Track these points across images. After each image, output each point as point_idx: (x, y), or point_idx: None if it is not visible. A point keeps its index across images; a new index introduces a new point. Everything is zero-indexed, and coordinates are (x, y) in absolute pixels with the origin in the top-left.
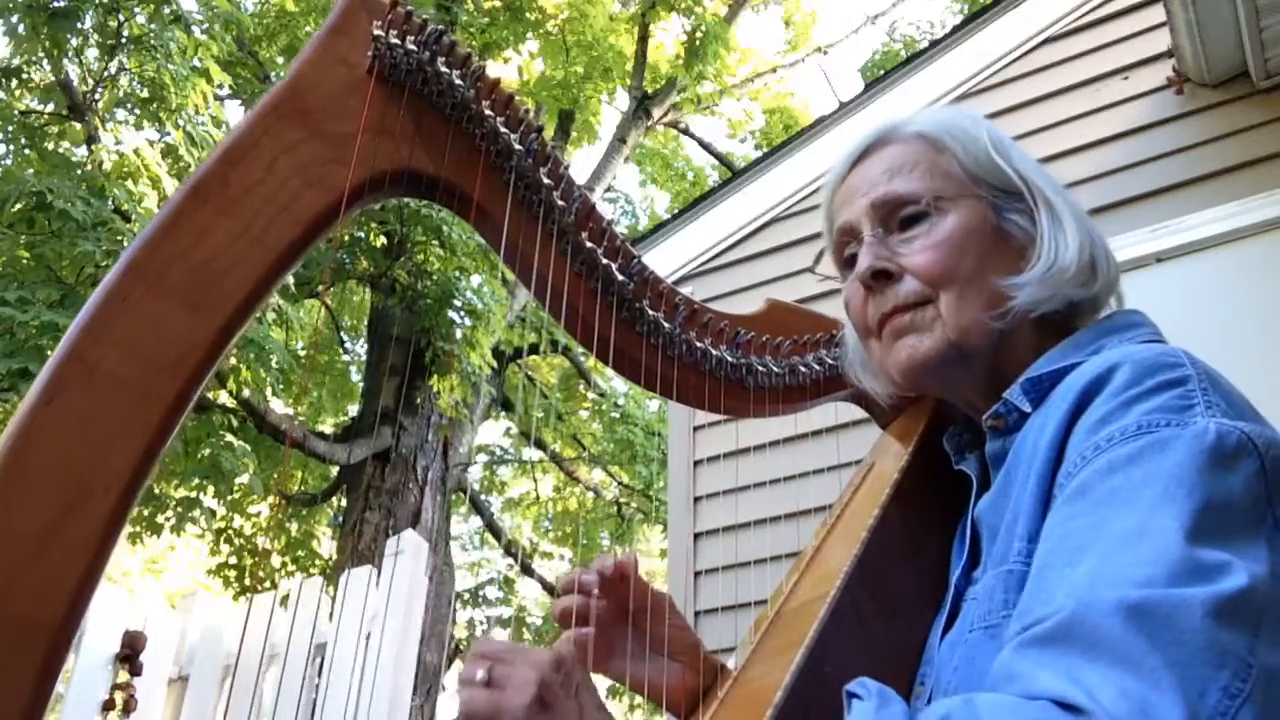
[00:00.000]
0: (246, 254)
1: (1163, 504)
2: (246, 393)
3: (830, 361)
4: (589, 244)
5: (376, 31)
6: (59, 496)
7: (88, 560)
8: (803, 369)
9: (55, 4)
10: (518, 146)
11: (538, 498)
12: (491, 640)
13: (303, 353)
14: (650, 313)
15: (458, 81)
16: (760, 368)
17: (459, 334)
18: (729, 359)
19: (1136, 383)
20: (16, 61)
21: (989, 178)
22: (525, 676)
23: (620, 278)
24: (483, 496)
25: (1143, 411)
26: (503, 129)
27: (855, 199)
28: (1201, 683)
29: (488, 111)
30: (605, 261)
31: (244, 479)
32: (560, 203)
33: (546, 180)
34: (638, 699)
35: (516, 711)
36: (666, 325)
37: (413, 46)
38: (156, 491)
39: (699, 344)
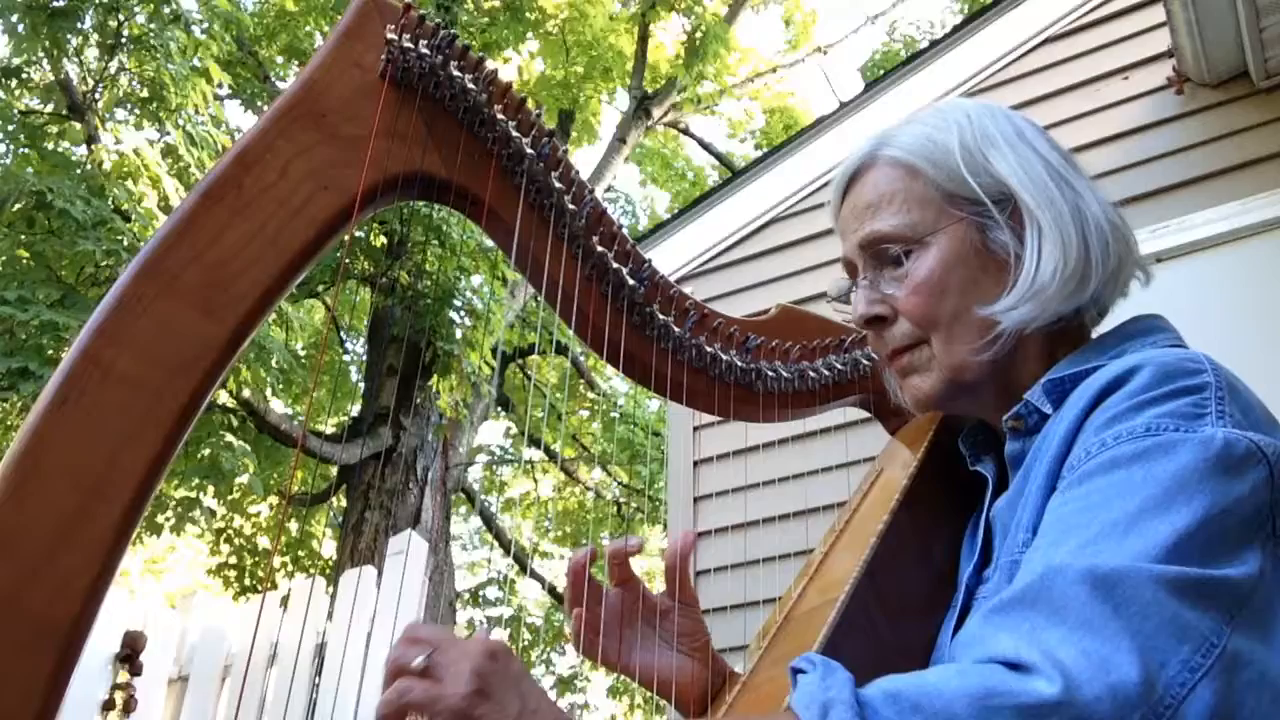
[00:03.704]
0: (260, 256)
1: (1159, 507)
2: (246, 393)
3: (839, 367)
4: (600, 248)
5: (389, 35)
6: (72, 496)
7: (101, 560)
8: (812, 374)
9: (55, 4)
10: (529, 151)
11: (538, 498)
12: (423, 625)
13: (303, 353)
14: (661, 317)
15: (470, 86)
16: (770, 373)
17: (459, 334)
18: (739, 364)
19: (1153, 386)
20: (16, 61)
21: (964, 194)
22: (462, 666)
23: (631, 282)
24: (483, 496)
25: (1154, 415)
26: (515, 133)
27: (848, 234)
28: (1162, 653)
29: (500, 116)
30: (616, 266)
31: (244, 479)
32: (571, 207)
33: (558, 184)
34: (638, 699)
35: (455, 701)
36: (676, 330)
37: (425, 50)
38: (157, 491)
39: (709, 349)
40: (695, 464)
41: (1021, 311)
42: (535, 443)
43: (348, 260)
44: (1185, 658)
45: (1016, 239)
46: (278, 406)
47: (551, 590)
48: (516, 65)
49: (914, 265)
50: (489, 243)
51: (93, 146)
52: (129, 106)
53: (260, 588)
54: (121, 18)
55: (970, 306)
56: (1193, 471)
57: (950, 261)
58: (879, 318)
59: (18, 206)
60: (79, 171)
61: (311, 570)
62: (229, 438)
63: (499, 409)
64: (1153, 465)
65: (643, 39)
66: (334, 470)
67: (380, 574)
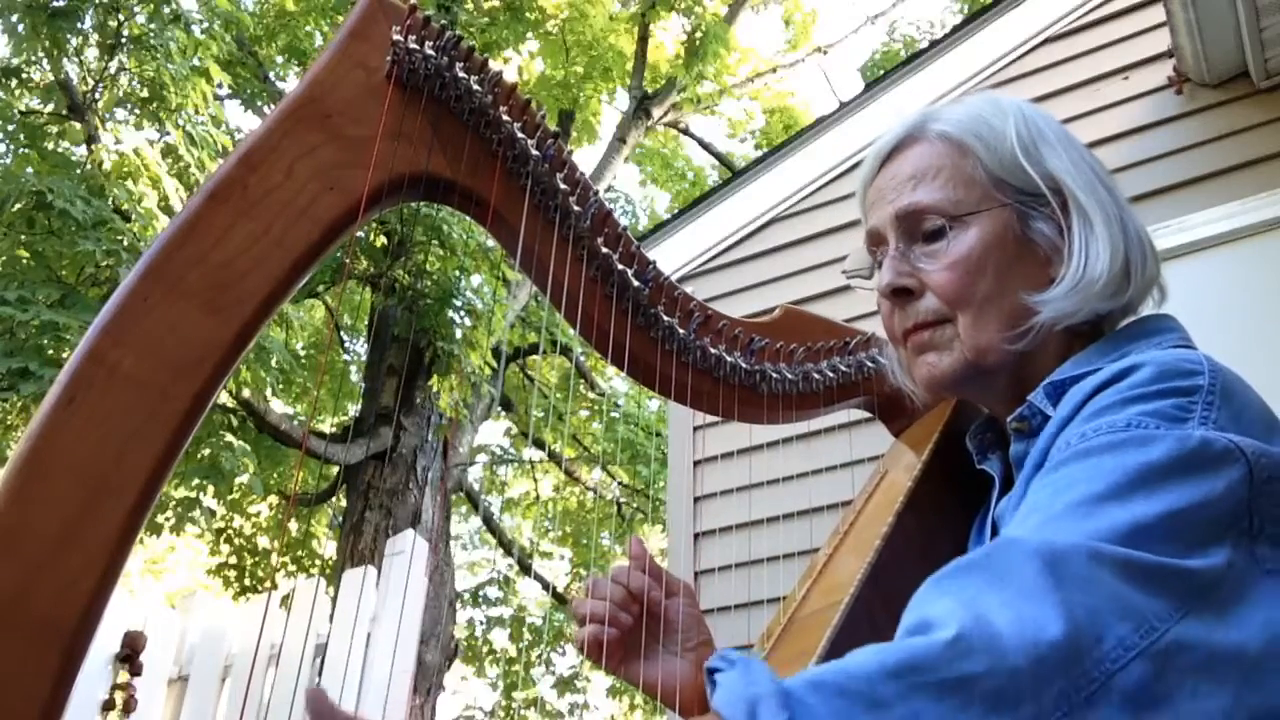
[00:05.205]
0: (265, 256)
1: (1122, 494)
2: (246, 393)
3: (844, 369)
4: (604, 249)
5: (395, 36)
6: (77, 497)
7: (105, 561)
8: (816, 376)
9: (55, 4)
10: (534, 152)
11: (538, 498)
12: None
13: (303, 353)
14: (665, 318)
15: (475, 87)
16: (774, 374)
17: (459, 334)
18: (743, 366)
19: (1145, 384)
20: (16, 61)
21: (1014, 181)
22: None
23: (635, 283)
24: (483, 496)
25: (1137, 411)
26: (519, 134)
27: (881, 205)
28: (1098, 628)
29: (505, 117)
30: (620, 267)
31: (244, 479)
32: (576, 208)
33: (563, 185)
34: (638, 699)
35: None
36: (681, 331)
37: (431, 52)
38: None
39: (713, 350)
40: (696, 464)
41: (1065, 304)
42: (536, 443)
43: (349, 260)
44: (1122, 635)
45: (1059, 234)
46: (278, 406)
47: (552, 590)
48: (516, 65)
49: (952, 242)
50: (489, 242)
51: (93, 146)
52: (129, 106)
53: (260, 588)
54: (121, 18)
55: (1006, 291)
56: (1163, 466)
57: (990, 244)
58: (905, 290)
59: (18, 206)
60: (79, 171)
61: (312, 570)
62: (229, 438)
63: (499, 409)
64: (1123, 456)
65: (643, 39)
66: (334, 470)
67: (380, 574)
